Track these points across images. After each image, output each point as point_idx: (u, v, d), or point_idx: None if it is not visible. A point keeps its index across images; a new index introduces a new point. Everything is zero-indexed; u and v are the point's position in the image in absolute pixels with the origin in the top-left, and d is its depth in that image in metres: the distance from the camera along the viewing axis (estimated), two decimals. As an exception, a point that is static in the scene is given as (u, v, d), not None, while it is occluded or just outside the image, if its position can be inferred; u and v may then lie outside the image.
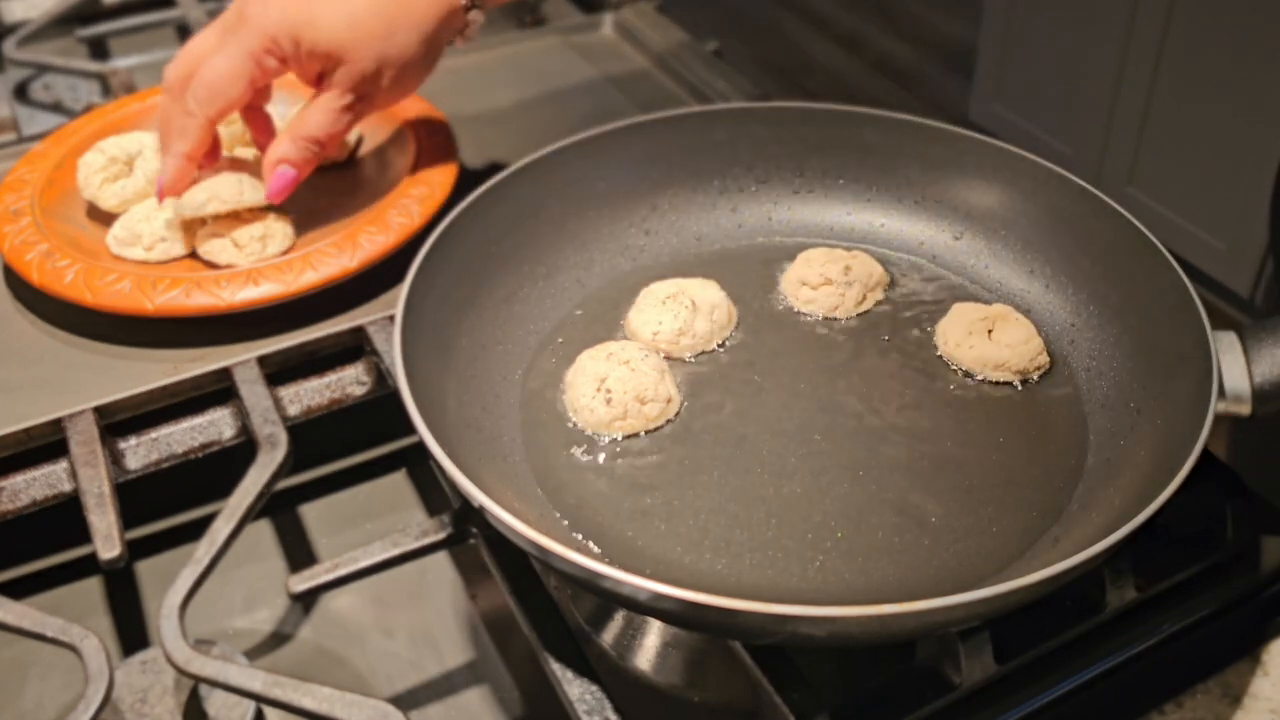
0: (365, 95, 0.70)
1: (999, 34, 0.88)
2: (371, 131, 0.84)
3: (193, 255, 0.74)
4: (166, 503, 0.71)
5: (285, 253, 0.72)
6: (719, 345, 0.65)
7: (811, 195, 0.74)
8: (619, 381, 0.60)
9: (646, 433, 0.60)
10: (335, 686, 0.50)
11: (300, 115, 0.70)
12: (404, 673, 0.62)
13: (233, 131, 0.80)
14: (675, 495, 0.57)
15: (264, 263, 0.70)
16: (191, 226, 0.73)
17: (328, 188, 0.80)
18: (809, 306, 0.68)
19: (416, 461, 0.74)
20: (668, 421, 0.61)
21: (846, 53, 1.11)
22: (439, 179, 0.76)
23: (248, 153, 0.80)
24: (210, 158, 0.73)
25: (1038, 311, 0.66)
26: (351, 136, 0.83)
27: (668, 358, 0.64)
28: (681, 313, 0.64)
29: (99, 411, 0.64)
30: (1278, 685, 0.55)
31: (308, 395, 0.67)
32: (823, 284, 0.67)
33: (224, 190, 0.71)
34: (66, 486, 0.62)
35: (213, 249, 0.72)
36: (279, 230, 0.73)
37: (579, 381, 0.61)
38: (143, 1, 1.13)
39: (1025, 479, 0.57)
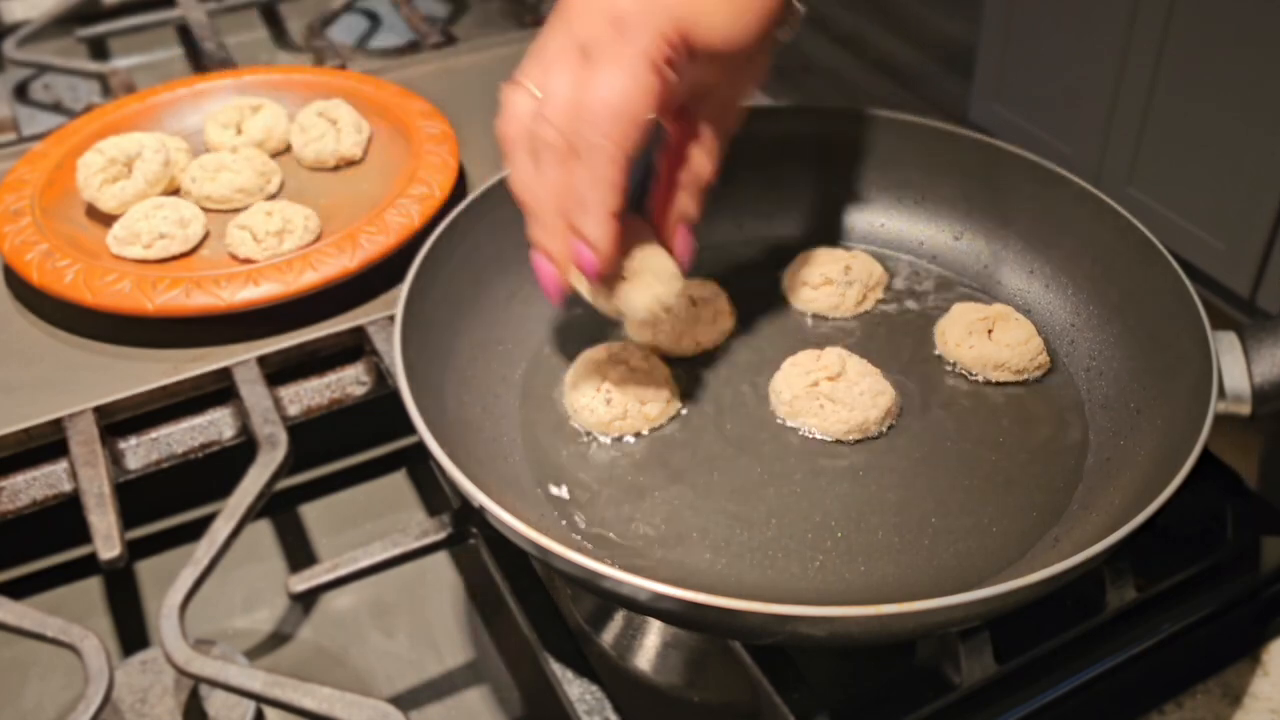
0: (730, 103, 0.58)
1: (999, 34, 0.88)
2: (373, 133, 0.84)
3: (192, 253, 0.74)
4: (166, 503, 0.71)
5: (303, 247, 0.72)
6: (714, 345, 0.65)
7: (811, 195, 0.73)
8: (620, 382, 0.60)
9: (647, 432, 0.60)
10: (335, 686, 0.50)
11: (691, 169, 0.57)
12: (404, 673, 0.62)
13: (178, 163, 0.79)
14: (675, 495, 0.57)
15: (280, 258, 0.70)
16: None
17: (328, 188, 0.80)
18: (809, 306, 0.68)
19: (416, 461, 0.74)
20: (669, 421, 0.61)
21: (846, 53, 1.11)
22: (439, 179, 0.76)
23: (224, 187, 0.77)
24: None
25: (1038, 311, 0.66)
26: (364, 133, 0.83)
27: (666, 358, 0.64)
28: (681, 314, 0.64)
29: (99, 411, 0.64)
30: (1278, 685, 0.55)
31: (308, 395, 0.67)
32: (823, 283, 0.67)
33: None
34: (66, 486, 0.62)
35: (234, 240, 0.72)
36: (299, 226, 0.73)
37: (579, 382, 0.61)
38: (143, 1, 1.13)
39: (1025, 479, 0.57)
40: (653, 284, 0.56)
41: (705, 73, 0.54)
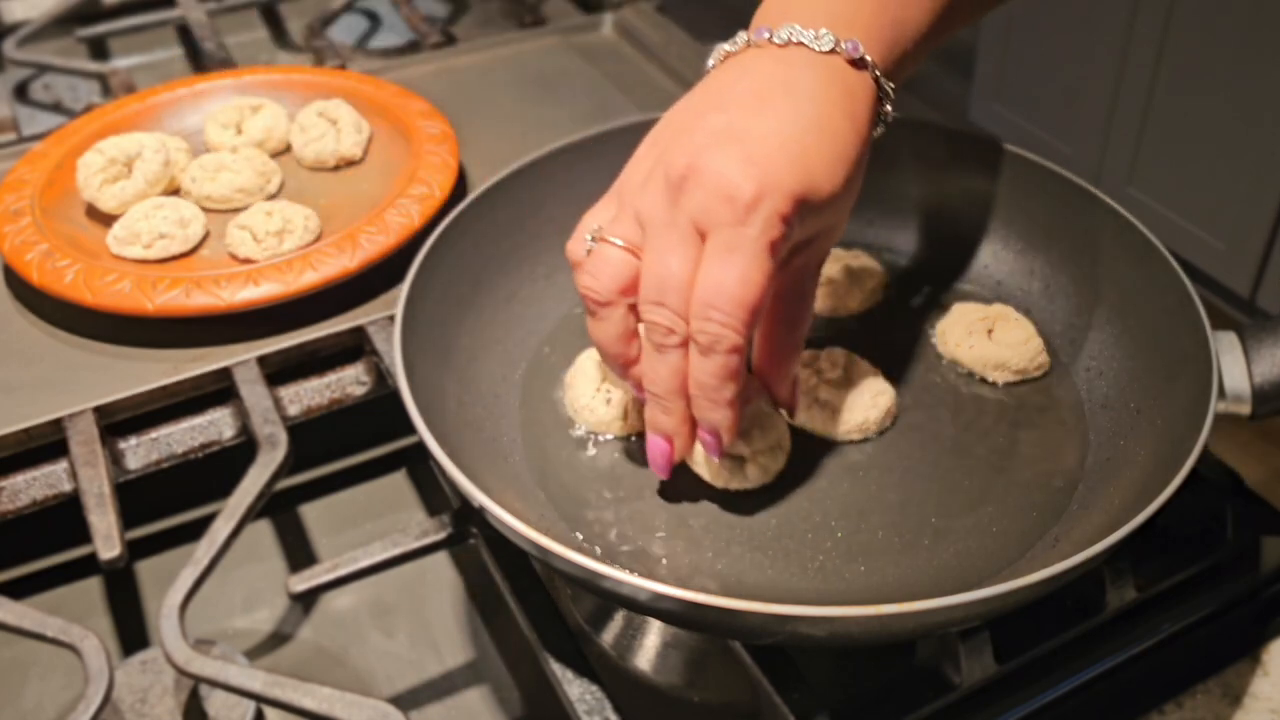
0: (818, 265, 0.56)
1: (999, 34, 0.88)
2: (373, 133, 0.84)
3: (192, 253, 0.74)
4: (166, 503, 0.71)
5: (303, 247, 0.72)
6: None
7: (811, 195, 0.73)
8: (619, 382, 0.60)
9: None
10: (335, 686, 0.50)
11: (798, 333, 0.56)
12: (404, 673, 0.62)
13: (178, 163, 0.78)
14: (674, 495, 0.57)
15: (280, 258, 0.70)
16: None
17: (328, 188, 0.80)
18: (809, 306, 0.68)
19: (416, 461, 0.74)
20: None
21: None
22: (439, 179, 0.76)
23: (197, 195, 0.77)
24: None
25: (1038, 311, 0.66)
26: (364, 133, 0.83)
27: None
28: None
29: (99, 411, 0.64)
30: (1278, 685, 0.55)
31: (308, 395, 0.67)
32: (824, 284, 0.67)
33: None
34: (66, 486, 0.62)
35: (234, 240, 0.72)
36: (299, 226, 0.73)
37: (579, 382, 0.61)
38: (143, 1, 1.13)
39: (1025, 479, 0.57)
40: (767, 463, 0.57)
41: (815, 224, 0.51)
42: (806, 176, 0.48)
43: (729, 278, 0.48)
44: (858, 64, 0.51)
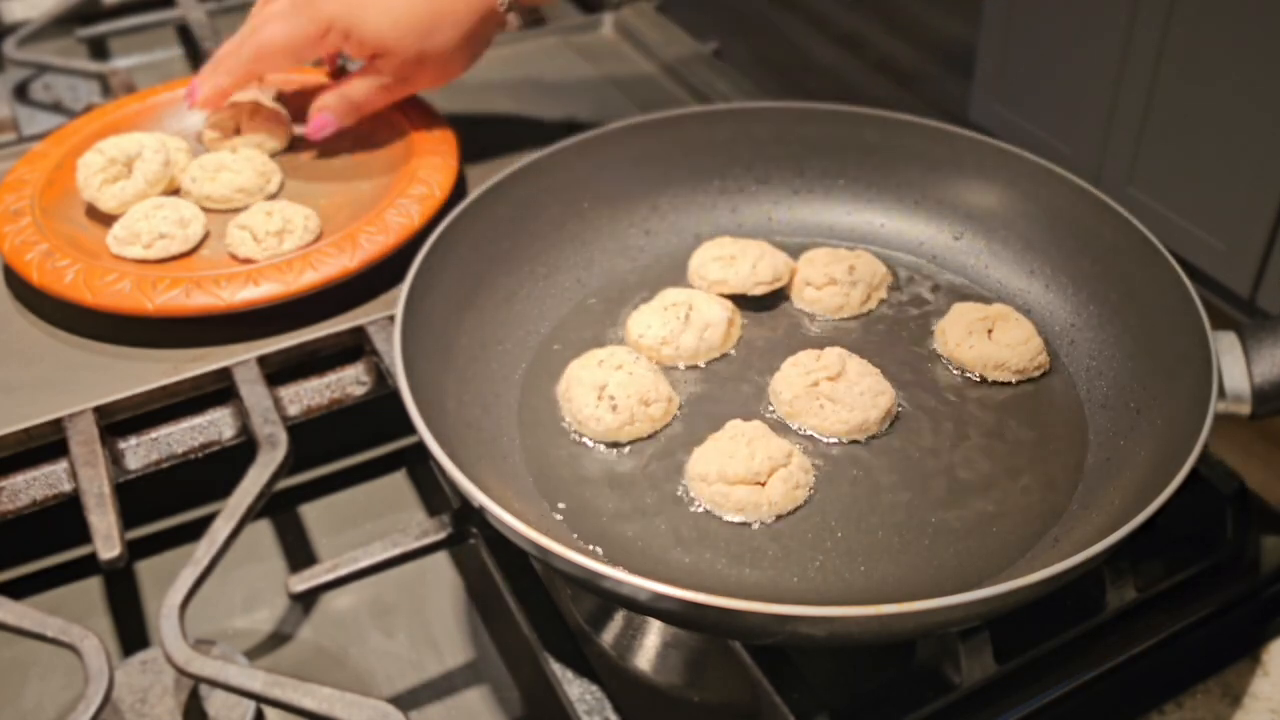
0: (405, 79, 0.78)
1: (999, 34, 0.88)
2: (372, 133, 0.84)
3: (192, 253, 0.74)
4: (166, 503, 0.71)
5: (303, 247, 0.72)
6: (704, 363, 0.65)
7: (811, 195, 0.74)
8: (620, 387, 0.60)
9: (649, 434, 0.60)
10: (335, 686, 0.50)
11: (349, 81, 0.79)
12: (404, 673, 0.62)
13: (178, 163, 0.79)
14: (674, 494, 0.57)
15: (280, 258, 0.70)
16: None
17: (328, 188, 0.80)
18: (813, 306, 0.68)
19: (416, 461, 0.74)
20: (670, 421, 0.61)
21: (846, 53, 1.11)
22: (439, 179, 0.76)
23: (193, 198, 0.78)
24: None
25: (1038, 311, 0.66)
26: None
27: (660, 363, 0.64)
28: (671, 322, 0.64)
29: (99, 411, 0.64)
30: (1278, 685, 0.55)
31: (308, 395, 0.67)
32: (827, 284, 0.67)
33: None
34: (66, 486, 0.62)
35: (234, 240, 0.72)
36: (299, 226, 0.73)
37: (576, 393, 0.60)
38: (143, 1, 1.13)
39: (1025, 479, 0.57)
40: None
41: (375, 53, 0.76)
42: (355, 11, 0.74)
43: (272, 32, 0.75)
44: None
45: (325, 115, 0.79)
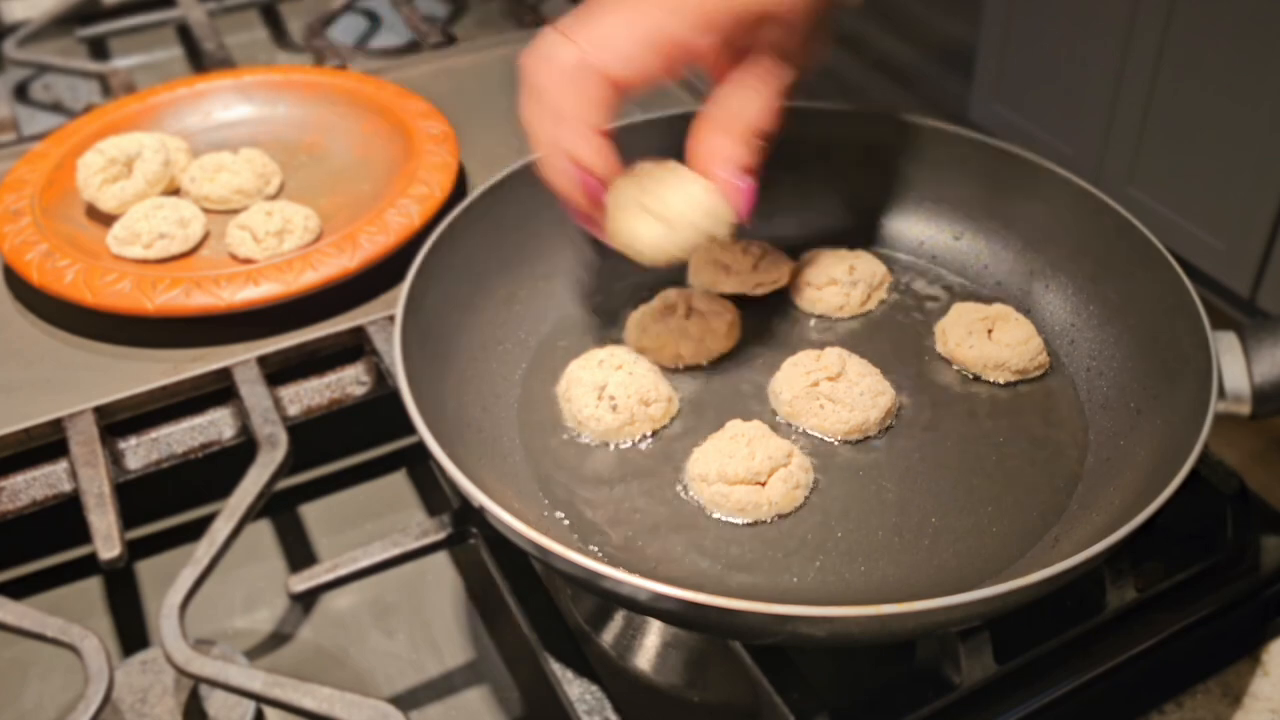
0: (790, 59, 0.59)
1: (999, 34, 0.88)
2: (372, 132, 0.84)
3: (192, 253, 0.74)
4: (166, 503, 0.71)
5: (303, 247, 0.72)
6: (704, 363, 0.65)
7: (811, 195, 0.73)
8: (620, 387, 0.60)
9: (650, 434, 0.60)
10: (335, 686, 0.50)
11: (730, 109, 0.58)
12: (404, 673, 0.62)
13: (178, 163, 0.79)
14: (673, 494, 0.57)
15: (280, 258, 0.70)
16: None
17: (328, 188, 0.80)
18: (814, 306, 0.68)
19: (416, 461, 0.74)
20: (671, 421, 0.61)
21: (846, 53, 1.11)
22: (439, 179, 0.76)
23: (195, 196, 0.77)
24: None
25: (1038, 311, 0.66)
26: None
27: (660, 363, 0.64)
28: (672, 323, 0.64)
29: (99, 411, 0.64)
30: (1278, 685, 0.55)
31: (308, 395, 0.67)
32: (828, 284, 0.67)
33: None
34: (66, 486, 0.62)
35: (234, 240, 0.72)
36: (299, 226, 0.73)
37: (577, 394, 0.60)
38: (143, 1, 1.13)
39: (1025, 479, 0.57)
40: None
41: (756, 27, 0.56)
42: None
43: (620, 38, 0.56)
44: None
45: (746, 180, 0.58)
